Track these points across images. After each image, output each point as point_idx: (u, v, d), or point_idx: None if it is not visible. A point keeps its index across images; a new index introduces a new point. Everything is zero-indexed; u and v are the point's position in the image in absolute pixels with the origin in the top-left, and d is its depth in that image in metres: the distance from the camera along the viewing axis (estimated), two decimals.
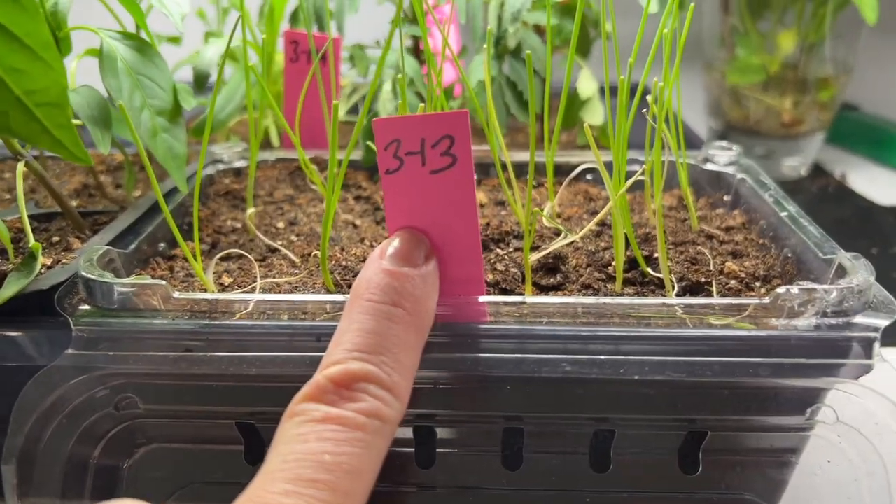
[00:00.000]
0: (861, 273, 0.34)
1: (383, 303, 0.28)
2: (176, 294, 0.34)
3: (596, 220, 0.40)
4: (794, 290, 0.33)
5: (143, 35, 0.45)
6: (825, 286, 0.33)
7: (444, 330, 0.33)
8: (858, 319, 0.33)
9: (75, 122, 0.39)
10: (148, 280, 0.34)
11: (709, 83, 0.90)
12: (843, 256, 0.36)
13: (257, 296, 0.34)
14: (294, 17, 0.55)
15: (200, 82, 0.49)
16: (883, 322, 0.32)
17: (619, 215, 0.39)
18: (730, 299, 0.34)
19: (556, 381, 0.33)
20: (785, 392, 0.33)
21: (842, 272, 0.36)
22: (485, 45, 0.54)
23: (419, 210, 0.33)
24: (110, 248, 0.38)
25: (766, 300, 0.33)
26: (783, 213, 0.43)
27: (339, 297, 0.34)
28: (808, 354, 0.32)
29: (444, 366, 0.32)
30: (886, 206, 0.80)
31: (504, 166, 0.49)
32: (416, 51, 0.59)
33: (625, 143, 0.38)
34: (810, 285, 0.33)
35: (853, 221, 0.76)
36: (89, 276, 0.34)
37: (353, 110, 0.67)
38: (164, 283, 0.34)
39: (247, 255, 0.40)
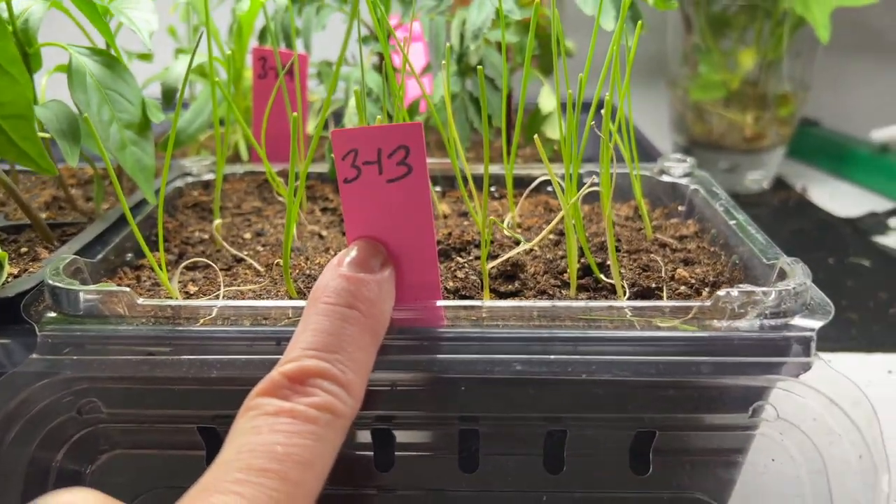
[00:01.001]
0: (798, 276, 0.36)
1: (339, 304, 0.30)
2: (140, 301, 0.35)
3: (549, 228, 0.42)
4: (734, 292, 0.34)
5: (113, 51, 0.46)
6: (764, 288, 0.34)
7: (402, 333, 0.34)
8: (796, 320, 0.34)
9: (44, 135, 0.40)
10: (113, 287, 0.35)
11: (673, 99, 0.93)
12: (784, 261, 0.38)
13: (220, 302, 0.35)
14: (262, 35, 0.56)
15: (169, 97, 0.50)
16: (818, 322, 0.34)
17: (572, 224, 0.40)
18: (675, 302, 0.36)
19: (509, 382, 0.34)
20: (728, 391, 0.35)
21: (783, 275, 0.38)
22: (448, 62, 0.56)
23: (377, 217, 0.34)
24: (77, 257, 0.39)
25: (708, 302, 0.34)
26: (732, 222, 0.45)
27: (299, 303, 0.35)
28: (749, 353, 0.34)
29: (401, 367, 0.34)
30: (844, 218, 0.82)
31: (465, 179, 0.50)
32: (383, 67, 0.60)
33: (579, 155, 0.40)
34: (749, 287, 0.34)
35: (812, 233, 0.79)
36: (56, 283, 0.35)
37: (326, 126, 0.69)
38: (128, 290, 0.35)
39: (212, 264, 0.41)
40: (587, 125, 0.41)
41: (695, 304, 0.35)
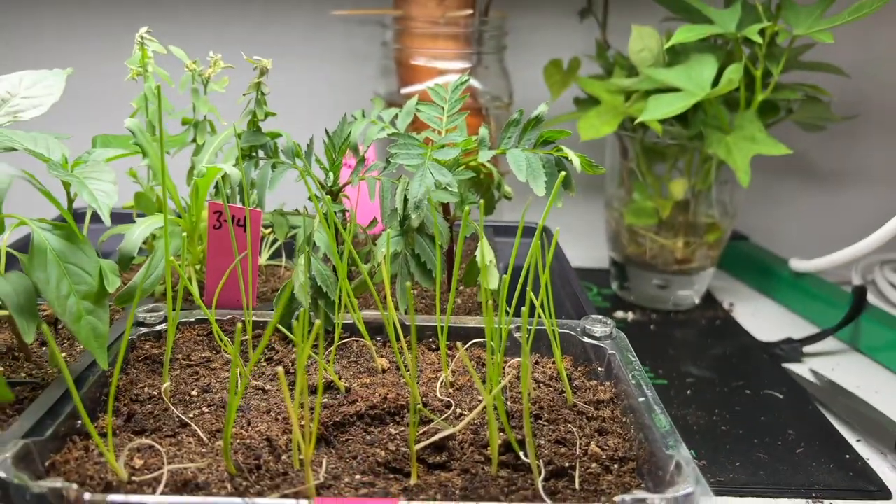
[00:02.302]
0: (688, 483, 0.40)
1: None
2: (87, 497, 0.38)
3: (470, 417, 0.45)
4: (628, 499, 0.38)
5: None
6: (657, 496, 0.39)
7: None
8: None
9: (3, 312, 0.42)
10: (58, 484, 0.38)
11: (609, 219, 0.99)
12: (681, 455, 0.42)
13: (158, 498, 0.38)
14: (218, 190, 0.60)
15: (125, 264, 0.53)
16: None
17: (493, 409, 0.44)
18: None
19: None
20: None
21: (679, 468, 0.42)
22: (394, 222, 0.60)
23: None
24: (27, 442, 0.41)
25: None
26: (641, 399, 0.49)
27: (232, 501, 0.38)
28: None
29: None
30: (763, 343, 0.88)
31: (398, 335, 0.54)
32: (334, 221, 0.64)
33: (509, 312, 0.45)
34: (642, 495, 0.39)
35: (732, 359, 0.84)
36: (3, 475, 0.38)
37: (277, 254, 0.72)
38: (74, 486, 0.37)
39: (157, 445, 0.44)
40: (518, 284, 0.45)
41: None
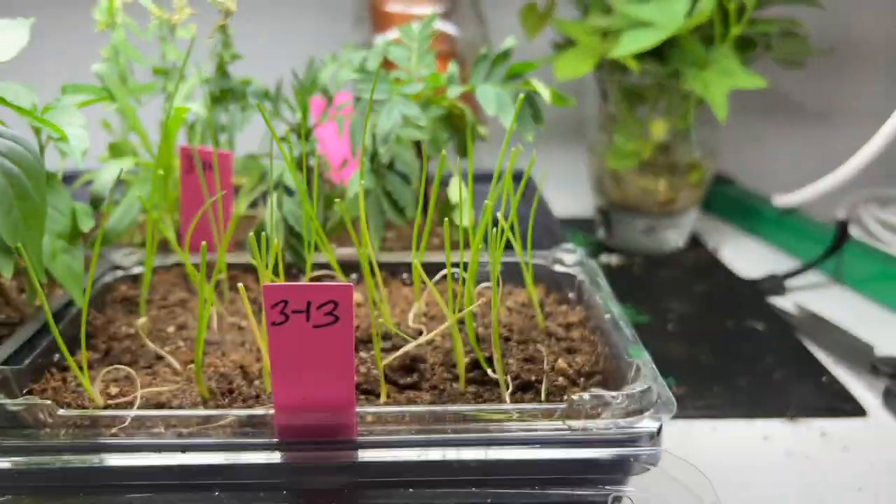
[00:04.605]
0: (645, 380, 0.41)
1: None
2: (60, 412, 0.39)
3: (436, 332, 0.46)
4: (586, 396, 0.39)
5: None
6: (612, 393, 0.40)
7: None
8: (642, 421, 0.39)
9: None
10: (35, 401, 0.39)
11: (591, 164, 0.99)
12: (641, 361, 0.43)
13: (132, 412, 0.39)
14: (190, 133, 0.60)
15: (97, 204, 0.54)
16: (656, 424, 0.39)
17: (457, 325, 0.45)
18: (541, 406, 0.41)
19: None
20: (586, 482, 0.40)
21: (639, 371, 0.43)
22: (364, 159, 0.61)
23: (300, 357, 0.38)
24: (3, 368, 0.42)
25: (564, 405, 0.39)
26: (607, 315, 0.50)
27: (206, 412, 0.39)
28: (603, 447, 0.39)
29: None
30: (746, 280, 0.88)
31: (373, 271, 0.55)
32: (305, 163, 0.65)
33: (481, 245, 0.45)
34: (600, 392, 0.40)
35: (716, 295, 0.85)
36: None
37: (254, 204, 0.73)
38: (49, 402, 0.39)
39: (131, 372, 0.45)
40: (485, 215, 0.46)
41: (557, 406, 0.40)
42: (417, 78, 0.61)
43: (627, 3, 0.84)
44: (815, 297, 0.85)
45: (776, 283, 0.86)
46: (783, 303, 0.83)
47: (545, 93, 0.60)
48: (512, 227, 0.52)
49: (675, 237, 0.98)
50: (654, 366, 0.42)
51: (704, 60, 0.83)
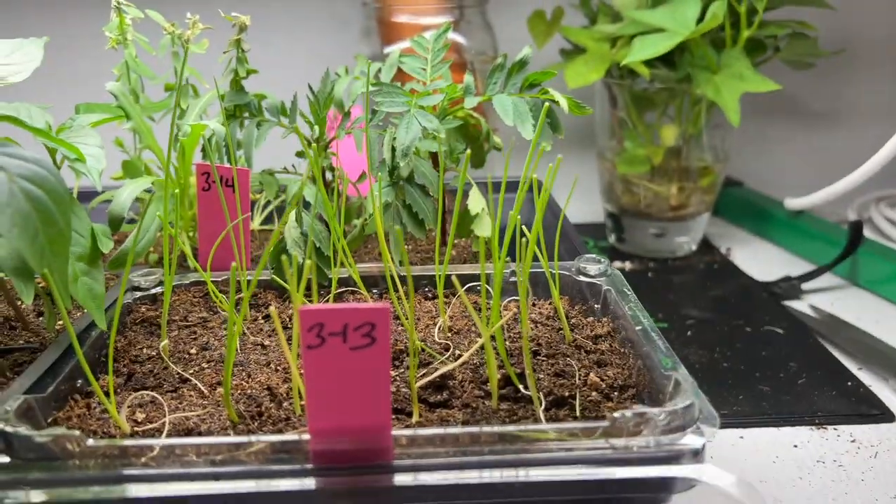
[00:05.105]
0: (687, 395, 0.40)
1: None
2: (90, 442, 0.38)
3: (468, 354, 0.45)
4: (629, 413, 0.38)
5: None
6: (655, 409, 0.39)
7: None
8: (686, 438, 0.39)
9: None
10: (62, 432, 0.38)
11: (601, 170, 0.99)
12: (679, 374, 0.43)
13: (162, 441, 0.38)
14: (206, 150, 0.60)
15: (115, 225, 0.53)
16: (700, 440, 0.38)
17: (491, 345, 0.44)
18: (581, 424, 0.40)
19: None
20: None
21: (678, 386, 0.42)
22: (383, 173, 0.60)
23: (336, 380, 0.37)
24: (27, 397, 0.41)
25: (606, 423, 0.39)
26: (638, 328, 0.49)
27: (236, 440, 0.38)
28: (642, 470, 0.38)
29: None
30: (761, 283, 0.88)
31: (395, 286, 0.54)
32: (324, 178, 0.64)
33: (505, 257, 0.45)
34: (643, 409, 0.39)
35: (732, 299, 0.84)
36: (6, 428, 0.38)
37: (269, 219, 0.72)
38: (77, 432, 0.38)
39: (158, 397, 0.44)
40: (509, 226, 0.45)
41: (599, 424, 0.39)
42: (434, 89, 0.60)
43: (637, 9, 0.83)
44: (832, 299, 0.85)
45: (792, 286, 0.86)
46: (800, 306, 0.83)
47: (563, 102, 0.60)
48: (537, 238, 0.52)
49: (687, 242, 0.97)
50: (693, 379, 0.42)
51: (715, 65, 0.83)
